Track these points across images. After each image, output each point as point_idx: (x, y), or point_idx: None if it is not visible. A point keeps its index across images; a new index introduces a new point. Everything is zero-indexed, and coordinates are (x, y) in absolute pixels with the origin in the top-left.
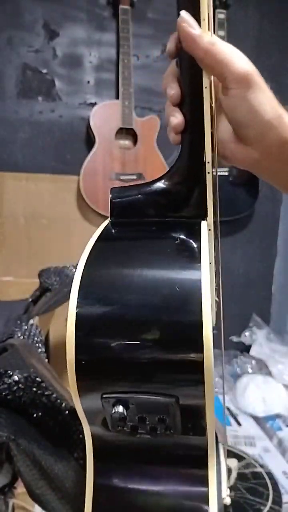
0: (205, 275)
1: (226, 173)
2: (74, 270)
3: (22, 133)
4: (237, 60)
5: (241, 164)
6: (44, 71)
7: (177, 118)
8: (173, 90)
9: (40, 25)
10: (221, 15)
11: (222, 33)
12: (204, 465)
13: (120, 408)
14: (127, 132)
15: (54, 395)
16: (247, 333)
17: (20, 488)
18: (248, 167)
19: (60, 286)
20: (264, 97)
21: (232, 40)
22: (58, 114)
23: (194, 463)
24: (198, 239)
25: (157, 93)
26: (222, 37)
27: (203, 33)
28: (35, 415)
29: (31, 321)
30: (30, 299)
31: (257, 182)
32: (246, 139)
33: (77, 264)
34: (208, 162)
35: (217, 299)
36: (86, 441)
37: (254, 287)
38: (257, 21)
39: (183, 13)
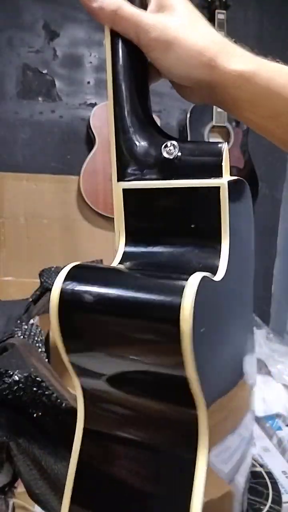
0: None
1: None
2: None
3: (23, 134)
4: (146, 22)
5: (196, 102)
6: (45, 71)
7: None
8: None
9: (40, 26)
10: (221, 15)
11: (221, 33)
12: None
13: None
14: None
15: (55, 395)
16: None
17: (20, 488)
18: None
19: None
20: (185, 52)
21: (232, 40)
22: (59, 114)
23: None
24: None
25: (156, 93)
26: None
27: (104, 1)
28: (35, 415)
29: (31, 321)
30: (31, 299)
31: (257, 182)
32: (186, 90)
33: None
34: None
35: None
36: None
37: (253, 286)
38: (257, 21)
39: None
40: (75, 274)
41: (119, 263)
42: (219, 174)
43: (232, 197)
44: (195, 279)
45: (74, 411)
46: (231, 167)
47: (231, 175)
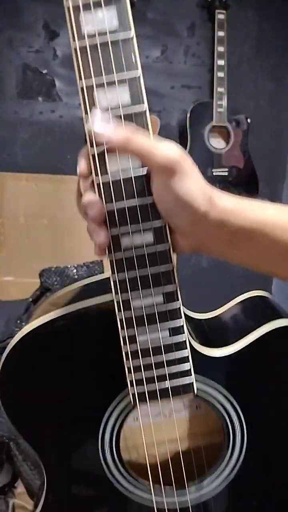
0: None
1: (226, 173)
2: (75, 270)
3: (23, 133)
4: (158, 148)
5: (185, 251)
6: (44, 71)
7: (101, 237)
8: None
9: (40, 26)
10: (221, 15)
11: (222, 33)
12: None
13: None
14: None
15: None
16: None
17: (20, 488)
18: (195, 252)
19: (61, 286)
20: (192, 184)
21: (232, 40)
22: (58, 114)
23: None
24: None
25: (156, 94)
26: (222, 38)
27: (117, 129)
28: None
29: None
30: (31, 299)
31: (257, 182)
32: (179, 229)
33: (78, 265)
34: None
35: None
36: None
37: (253, 287)
38: (257, 22)
39: (92, 120)
40: None
41: None
42: None
43: None
44: None
45: None
46: (231, 167)
47: (231, 176)
